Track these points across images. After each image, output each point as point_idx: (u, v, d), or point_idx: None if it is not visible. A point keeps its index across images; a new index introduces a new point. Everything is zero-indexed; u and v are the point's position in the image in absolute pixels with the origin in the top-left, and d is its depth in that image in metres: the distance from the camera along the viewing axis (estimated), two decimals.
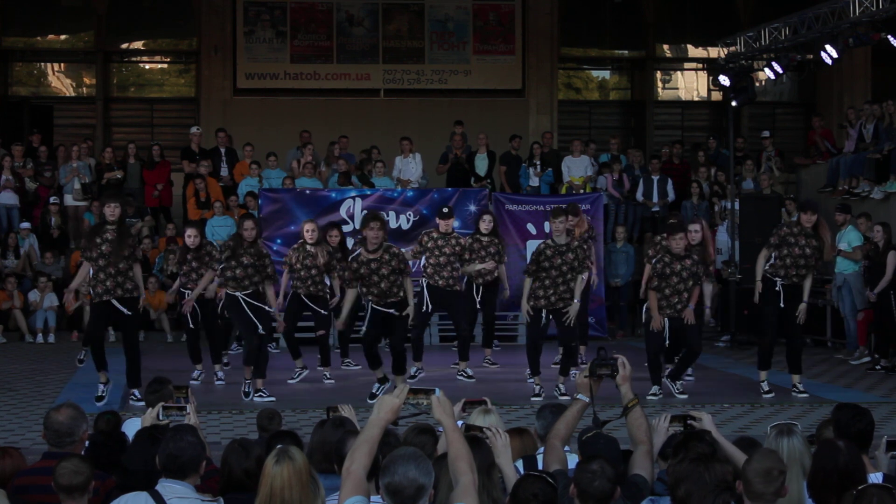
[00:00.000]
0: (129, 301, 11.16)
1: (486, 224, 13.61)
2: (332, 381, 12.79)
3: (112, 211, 11.15)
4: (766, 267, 11.84)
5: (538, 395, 11.61)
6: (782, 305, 11.74)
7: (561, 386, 11.73)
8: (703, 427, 5.42)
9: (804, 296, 11.79)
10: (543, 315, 11.72)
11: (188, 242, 12.45)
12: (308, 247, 12.68)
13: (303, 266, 12.64)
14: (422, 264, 13.24)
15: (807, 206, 12.00)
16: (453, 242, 13.03)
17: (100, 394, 11.21)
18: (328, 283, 13.02)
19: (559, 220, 11.65)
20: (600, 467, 4.52)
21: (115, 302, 11.06)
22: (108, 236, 11.11)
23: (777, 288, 11.73)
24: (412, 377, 12.57)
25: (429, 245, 12.96)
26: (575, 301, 11.70)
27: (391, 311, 11.43)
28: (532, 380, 11.96)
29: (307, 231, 12.79)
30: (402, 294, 11.47)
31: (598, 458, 4.62)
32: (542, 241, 12.25)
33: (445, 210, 13.44)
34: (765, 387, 11.90)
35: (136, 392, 11.12)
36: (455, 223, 16.67)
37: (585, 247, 12.50)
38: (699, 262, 11.87)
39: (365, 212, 16.50)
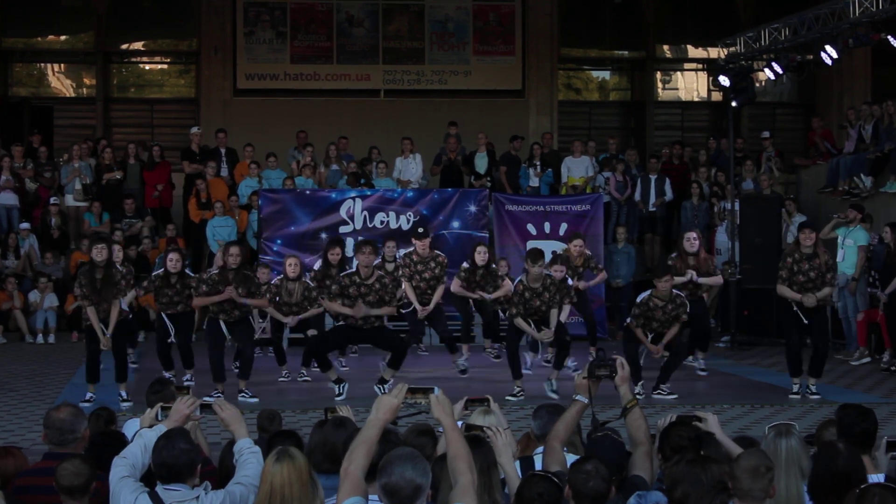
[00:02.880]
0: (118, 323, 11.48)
1: (481, 256, 13.48)
2: (309, 379, 12.89)
3: (98, 252, 11.26)
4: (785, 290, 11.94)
5: (516, 395, 11.72)
6: (805, 322, 11.84)
7: (553, 381, 11.87)
8: (708, 428, 5.43)
9: (819, 295, 11.87)
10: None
11: (169, 266, 12.39)
12: (288, 283, 12.89)
13: (283, 302, 12.91)
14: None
15: (805, 226, 12.16)
16: (433, 265, 12.99)
17: (87, 398, 11.24)
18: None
19: (538, 264, 11.82)
20: (594, 467, 4.52)
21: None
22: (97, 276, 11.27)
23: (794, 309, 11.83)
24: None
25: (409, 267, 12.98)
26: (549, 329, 12.01)
27: (366, 327, 11.83)
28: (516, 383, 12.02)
29: (289, 265, 12.96)
30: (378, 322, 11.91)
31: (591, 458, 4.62)
32: (517, 280, 12.34)
33: (421, 230, 13.37)
34: (794, 388, 11.99)
35: (123, 392, 11.40)
36: (455, 223, 16.77)
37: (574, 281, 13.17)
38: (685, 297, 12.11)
39: (363, 216, 16.61)
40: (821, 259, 11.79)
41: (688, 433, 5.26)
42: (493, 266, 13.70)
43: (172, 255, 12.50)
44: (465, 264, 13.55)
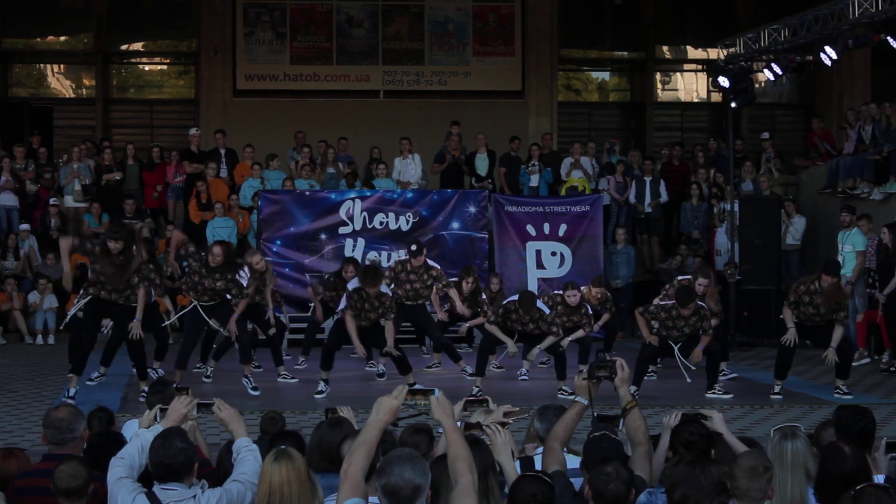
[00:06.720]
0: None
1: (468, 286, 13.57)
2: (296, 381, 12.88)
3: (115, 245, 11.21)
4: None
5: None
6: (811, 339, 12.08)
7: (566, 388, 11.81)
8: (713, 426, 5.44)
9: (833, 342, 11.80)
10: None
11: (175, 237, 12.62)
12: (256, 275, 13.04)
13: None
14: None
15: (828, 269, 11.90)
16: (425, 277, 12.98)
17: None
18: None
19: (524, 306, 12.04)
20: (615, 470, 4.52)
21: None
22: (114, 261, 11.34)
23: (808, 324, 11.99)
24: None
25: (400, 275, 12.96)
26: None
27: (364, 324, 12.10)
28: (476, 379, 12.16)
29: (255, 262, 13.05)
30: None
31: (612, 461, 4.62)
32: (508, 300, 12.59)
33: (414, 248, 13.09)
34: (776, 389, 12.01)
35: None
36: (454, 224, 16.78)
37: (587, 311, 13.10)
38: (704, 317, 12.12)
39: (364, 214, 16.60)
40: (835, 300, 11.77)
41: (699, 429, 5.27)
42: (482, 296, 13.89)
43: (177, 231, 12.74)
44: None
